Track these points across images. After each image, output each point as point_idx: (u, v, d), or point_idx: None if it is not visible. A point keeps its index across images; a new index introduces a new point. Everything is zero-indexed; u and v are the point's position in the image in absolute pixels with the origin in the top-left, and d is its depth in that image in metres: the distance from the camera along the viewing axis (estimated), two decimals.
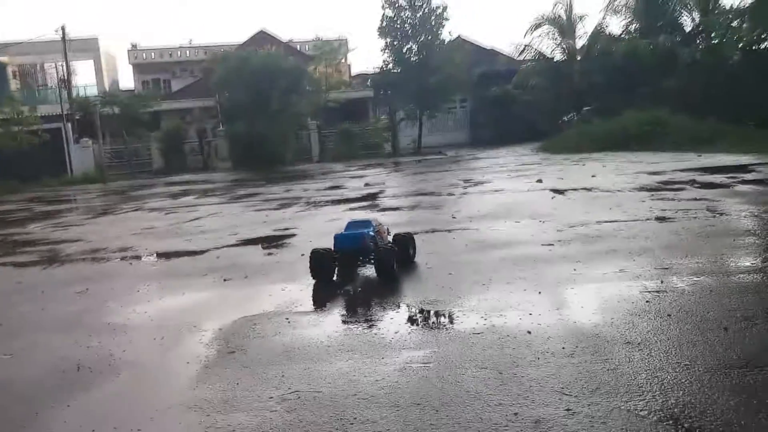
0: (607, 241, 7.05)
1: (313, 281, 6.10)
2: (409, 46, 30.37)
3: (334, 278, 6.21)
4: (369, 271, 6.31)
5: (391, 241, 6.50)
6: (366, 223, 6.50)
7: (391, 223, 7.18)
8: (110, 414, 3.58)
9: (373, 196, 13.86)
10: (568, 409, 3.11)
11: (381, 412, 3.27)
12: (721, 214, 8.17)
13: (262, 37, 36.83)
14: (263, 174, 23.54)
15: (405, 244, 6.53)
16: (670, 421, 2.93)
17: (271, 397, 3.56)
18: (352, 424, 3.18)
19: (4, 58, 40.14)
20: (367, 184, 16.83)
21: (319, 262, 6.06)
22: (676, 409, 3.03)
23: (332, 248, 6.23)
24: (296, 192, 16.23)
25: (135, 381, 4.08)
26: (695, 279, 5.27)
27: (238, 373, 3.99)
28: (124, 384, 4.03)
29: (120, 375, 4.16)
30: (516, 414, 3.11)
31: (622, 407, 3.09)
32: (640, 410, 3.05)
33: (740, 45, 25.21)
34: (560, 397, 3.24)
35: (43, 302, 6.42)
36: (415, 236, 6.93)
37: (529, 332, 4.23)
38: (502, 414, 3.13)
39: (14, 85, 42.22)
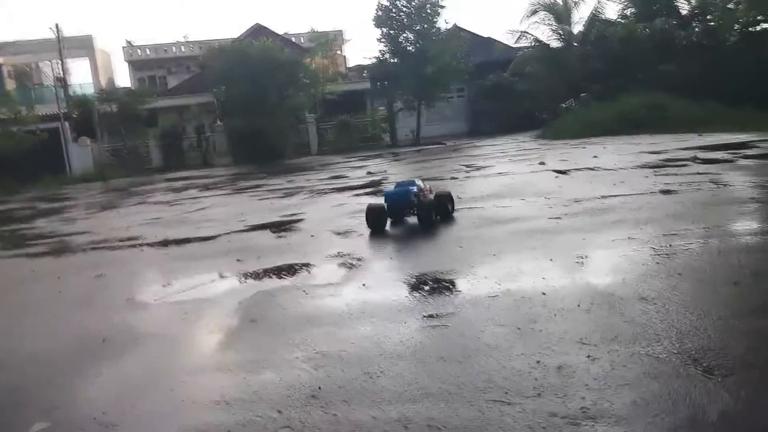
0: (613, 213, 7.14)
1: (326, 256, 6.25)
2: (405, 35, 30.30)
3: (387, 228, 7.45)
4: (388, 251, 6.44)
5: (433, 198, 7.79)
6: (411, 183, 7.95)
7: None
8: (142, 379, 3.68)
9: (376, 183, 13.92)
10: (589, 356, 3.21)
11: (407, 366, 3.38)
12: (725, 186, 8.27)
13: (259, 31, 36.75)
14: (263, 167, 23.60)
15: (444, 200, 7.84)
16: (689, 362, 3.04)
17: (297, 357, 3.66)
18: (379, 377, 3.28)
19: None
20: (369, 173, 16.89)
21: (374, 215, 7.44)
22: (693, 352, 3.14)
23: (383, 203, 7.55)
24: (299, 182, 16.28)
25: (162, 350, 4.18)
26: (703, 242, 5.37)
27: (262, 338, 4.10)
28: (152, 353, 4.13)
29: (147, 346, 4.26)
30: (538, 362, 3.21)
31: (642, 352, 3.19)
32: (659, 353, 3.15)
33: (737, 27, 25.27)
34: (580, 347, 3.35)
35: (60, 286, 6.51)
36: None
37: (544, 294, 4.33)
38: (525, 362, 3.23)
39: (10, 85, 42.18)
